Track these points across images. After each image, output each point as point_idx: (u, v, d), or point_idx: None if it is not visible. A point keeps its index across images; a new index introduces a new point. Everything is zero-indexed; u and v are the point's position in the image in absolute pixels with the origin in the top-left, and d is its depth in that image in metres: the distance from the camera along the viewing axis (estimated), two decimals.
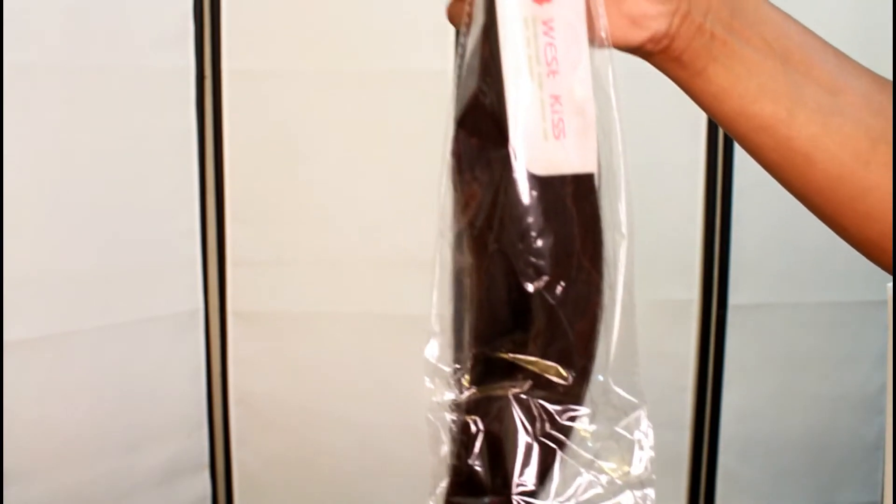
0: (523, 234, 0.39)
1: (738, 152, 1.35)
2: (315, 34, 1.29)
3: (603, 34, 0.42)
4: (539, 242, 0.40)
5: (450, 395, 0.41)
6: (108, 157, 1.21)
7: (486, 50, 0.39)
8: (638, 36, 0.44)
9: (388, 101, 1.31)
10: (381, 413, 1.34)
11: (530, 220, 0.39)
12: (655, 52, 0.45)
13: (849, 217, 0.47)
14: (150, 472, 1.32)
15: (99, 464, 1.26)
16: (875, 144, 0.44)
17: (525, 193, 0.39)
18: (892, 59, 1.29)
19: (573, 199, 0.42)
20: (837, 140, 0.44)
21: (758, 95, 0.45)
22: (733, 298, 1.38)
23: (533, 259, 0.39)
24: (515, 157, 0.39)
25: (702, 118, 1.34)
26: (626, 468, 0.42)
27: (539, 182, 0.40)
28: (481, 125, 0.40)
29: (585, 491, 0.40)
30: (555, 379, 0.40)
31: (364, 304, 1.32)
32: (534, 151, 0.40)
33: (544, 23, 0.39)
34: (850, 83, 0.46)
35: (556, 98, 0.40)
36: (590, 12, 0.41)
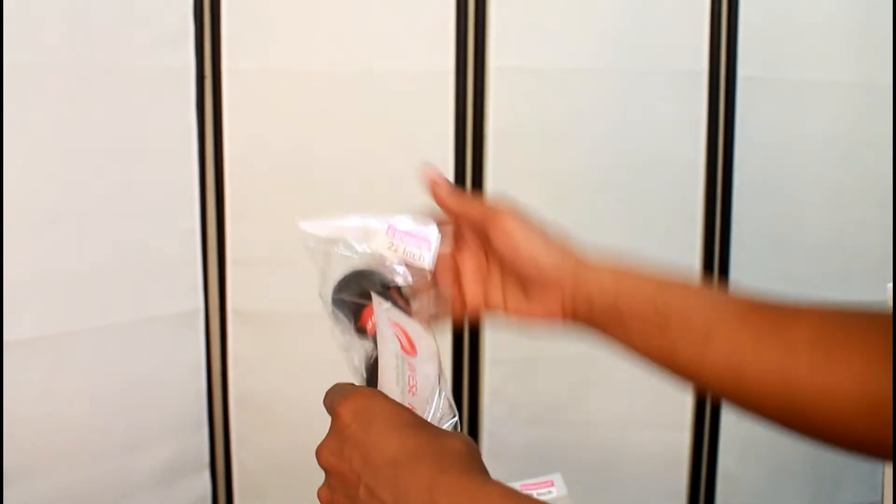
0: None
1: (738, 152, 1.35)
2: (315, 34, 1.29)
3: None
4: None
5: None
6: (108, 157, 1.21)
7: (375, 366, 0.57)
8: (545, 313, 0.58)
9: (388, 101, 1.31)
10: None
11: None
12: (575, 324, 0.58)
13: (741, 406, 0.57)
14: (150, 472, 1.32)
15: (99, 464, 1.26)
16: (744, 367, 0.52)
17: None
18: (893, 59, 1.29)
19: None
20: (711, 366, 0.54)
21: (645, 346, 0.56)
22: None
23: None
24: None
25: (702, 118, 1.34)
26: None
27: None
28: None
29: None
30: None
31: None
32: None
33: (409, 364, 0.55)
34: (719, 322, 0.54)
35: (412, 407, 0.54)
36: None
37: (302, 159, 1.31)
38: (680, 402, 1.41)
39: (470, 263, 0.60)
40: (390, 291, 0.56)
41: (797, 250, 1.37)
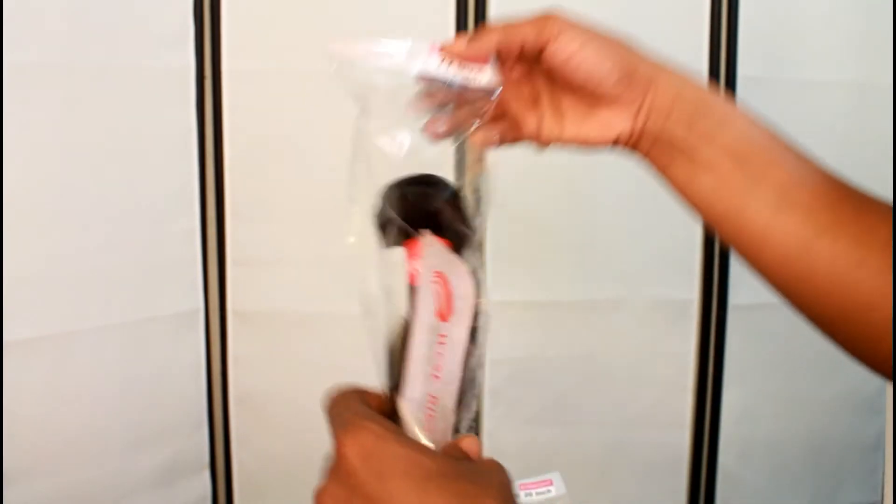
0: None
1: None
2: (315, 34, 1.29)
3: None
4: None
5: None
6: (108, 157, 1.21)
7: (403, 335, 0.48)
8: (607, 135, 0.53)
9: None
10: None
11: None
12: (629, 147, 0.54)
13: (796, 296, 0.54)
14: (150, 472, 1.32)
15: (99, 464, 1.26)
16: (819, 235, 0.49)
17: None
18: (893, 59, 1.29)
19: None
20: (783, 231, 0.49)
21: (711, 193, 0.51)
22: (733, 298, 1.38)
23: None
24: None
25: None
26: None
27: None
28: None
29: None
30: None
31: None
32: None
33: (440, 335, 0.48)
34: (804, 181, 0.50)
35: (433, 398, 0.48)
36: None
37: (302, 159, 1.31)
38: (680, 402, 1.41)
39: (514, 93, 0.54)
40: (447, 211, 0.48)
41: None
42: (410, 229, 0.49)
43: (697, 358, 1.40)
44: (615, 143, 0.53)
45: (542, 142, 0.55)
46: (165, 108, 1.26)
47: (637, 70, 0.51)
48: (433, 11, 1.29)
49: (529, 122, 0.54)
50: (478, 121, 0.51)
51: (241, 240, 1.33)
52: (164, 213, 1.28)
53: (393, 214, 0.50)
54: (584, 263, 1.36)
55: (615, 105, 0.51)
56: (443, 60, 0.51)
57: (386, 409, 0.47)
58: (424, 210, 0.49)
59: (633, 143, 0.53)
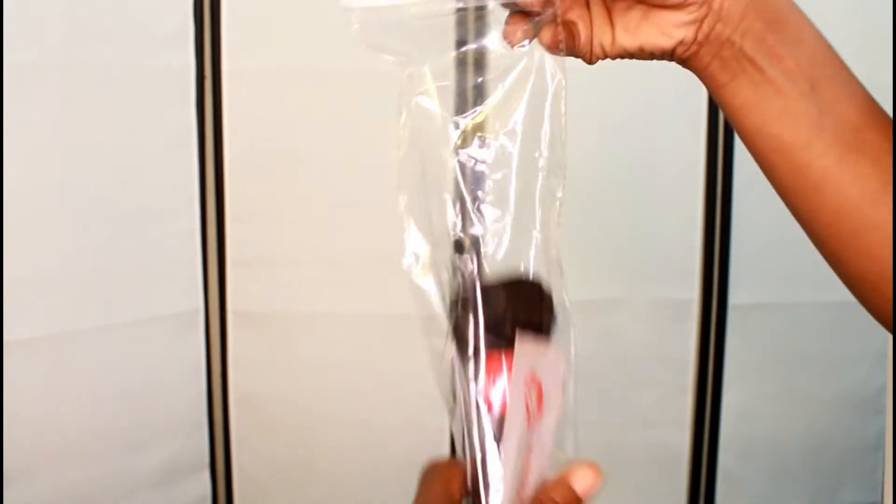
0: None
1: (738, 152, 1.35)
2: (315, 34, 1.29)
3: None
4: None
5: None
6: (108, 157, 1.21)
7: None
8: (666, 42, 0.45)
9: (387, 101, 1.31)
10: (381, 413, 1.34)
11: None
12: (686, 58, 0.46)
13: (848, 251, 0.48)
14: (150, 472, 1.32)
15: (99, 464, 1.26)
16: (887, 186, 0.44)
17: None
18: (893, 59, 1.29)
19: None
20: (850, 175, 0.44)
21: (779, 118, 0.45)
22: (733, 298, 1.38)
23: None
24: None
25: (702, 118, 1.34)
26: None
27: None
28: None
29: None
30: None
31: (364, 304, 1.32)
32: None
33: (531, 438, 0.43)
34: (875, 122, 0.45)
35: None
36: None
37: (302, 159, 1.31)
38: (680, 402, 1.41)
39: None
40: (536, 307, 0.43)
41: (797, 250, 1.37)
42: (499, 338, 0.43)
43: (697, 358, 1.40)
44: (672, 50, 0.46)
45: (592, 55, 0.49)
46: (165, 108, 1.26)
47: None
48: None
49: (581, 29, 0.47)
50: (538, 20, 0.46)
51: (241, 240, 1.33)
52: (163, 213, 1.28)
53: (477, 323, 0.43)
54: (585, 263, 1.36)
55: (678, 7, 0.44)
56: None
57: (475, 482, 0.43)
58: (514, 315, 0.43)
59: (691, 53, 0.46)
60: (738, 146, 1.35)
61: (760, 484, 1.45)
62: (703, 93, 1.32)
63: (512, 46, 0.48)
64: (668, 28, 0.45)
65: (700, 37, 0.45)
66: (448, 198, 0.45)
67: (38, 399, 1.18)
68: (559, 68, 0.47)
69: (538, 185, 0.46)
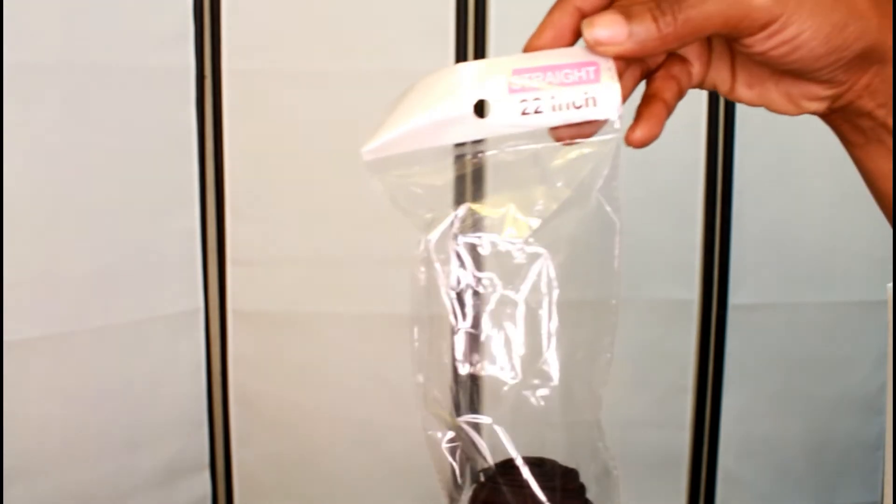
0: None
1: (738, 152, 1.35)
2: (315, 34, 1.29)
3: None
4: None
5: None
6: (108, 157, 1.21)
7: None
8: (793, 111, 0.42)
9: (387, 101, 1.31)
10: (380, 412, 1.34)
11: None
12: (819, 116, 0.43)
13: None
14: (150, 472, 1.32)
15: (99, 464, 1.26)
16: None
17: None
18: (892, 59, 1.29)
19: None
20: None
21: None
22: (733, 298, 1.38)
23: None
24: None
25: (702, 118, 1.34)
26: None
27: None
28: None
29: None
30: None
31: (364, 304, 1.32)
32: None
33: None
34: None
35: None
36: None
37: (302, 159, 1.31)
38: (680, 402, 1.41)
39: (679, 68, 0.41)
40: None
41: (797, 250, 1.37)
42: None
43: (697, 358, 1.40)
44: (823, 111, 0.42)
45: (703, 87, 0.43)
46: (165, 108, 1.26)
47: (862, 50, 0.38)
48: (433, 11, 1.29)
49: (696, 70, 0.41)
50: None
51: (241, 239, 1.33)
52: (163, 212, 1.28)
53: None
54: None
55: (816, 84, 0.40)
56: (524, 104, 0.35)
57: None
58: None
59: (823, 115, 0.42)
60: (738, 146, 1.35)
61: (760, 484, 1.45)
62: (703, 93, 1.32)
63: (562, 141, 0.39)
64: (800, 99, 0.41)
65: (835, 108, 0.41)
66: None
67: (38, 399, 1.18)
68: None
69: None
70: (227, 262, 1.33)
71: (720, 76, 0.42)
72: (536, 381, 0.40)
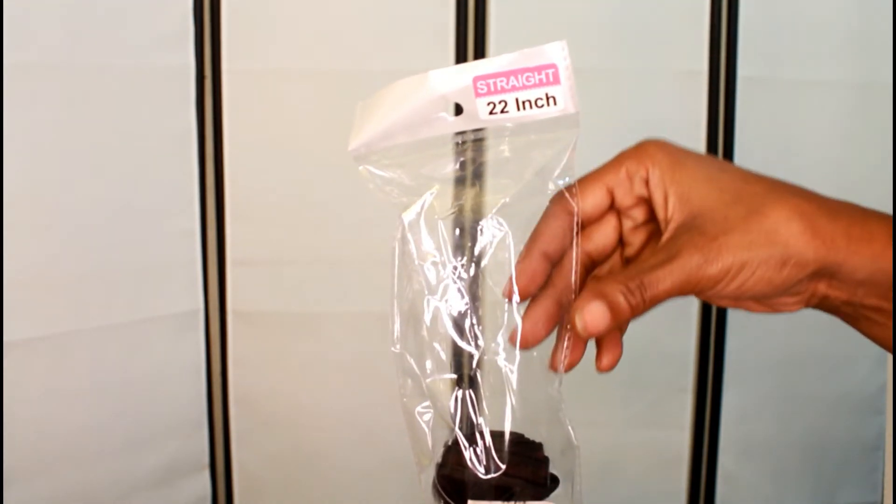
0: None
1: (738, 152, 1.35)
2: (315, 34, 1.29)
3: None
4: None
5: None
6: (107, 157, 1.21)
7: None
8: (771, 312, 0.47)
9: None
10: (381, 412, 1.34)
11: None
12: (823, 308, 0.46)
13: None
14: (150, 472, 1.32)
15: (99, 464, 1.26)
16: None
17: None
18: (893, 59, 1.29)
19: None
20: None
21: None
22: None
23: None
24: None
25: (702, 118, 1.34)
26: None
27: None
28: None
29: None
30: None
31: (364, 304, 1.32)
32: None
33: None
34: None
35: None
36: None
37: (302, 159, 1.31)
38: (680, 402, 1.41)
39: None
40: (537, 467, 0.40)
41: None
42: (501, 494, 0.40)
43: (697, 358, 1.40)
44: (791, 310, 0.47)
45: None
46: (165, 108, 1.26)
47: (808, 275, 0.42)
48: (433, 11, 1.29)
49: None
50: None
51: (241, 240, 1.33)
52: (163, 212, 1.28)
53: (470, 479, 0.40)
54: None
55: (781, 297, 0.44)
56: (491, 105, 0.40)
57: None
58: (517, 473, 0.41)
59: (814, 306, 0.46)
60: (738, 146, 1.35)
61: (760, 484, 1.45)
62: (703, 93, 1.32)
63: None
64: (774, 305, 0.46)
65: (811, 305, 0.45)
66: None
67: (38, 399, 1.18)
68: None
69: None
70: (227, 262, 1.33)
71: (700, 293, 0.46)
72: (502, 354, 0.44)
